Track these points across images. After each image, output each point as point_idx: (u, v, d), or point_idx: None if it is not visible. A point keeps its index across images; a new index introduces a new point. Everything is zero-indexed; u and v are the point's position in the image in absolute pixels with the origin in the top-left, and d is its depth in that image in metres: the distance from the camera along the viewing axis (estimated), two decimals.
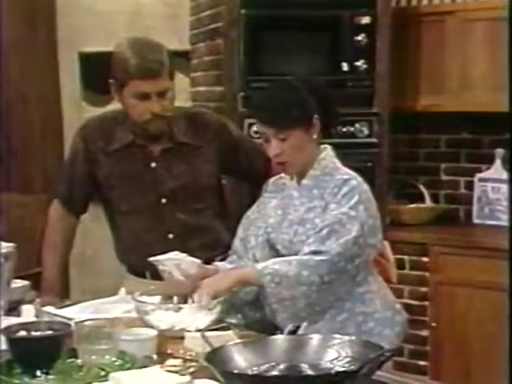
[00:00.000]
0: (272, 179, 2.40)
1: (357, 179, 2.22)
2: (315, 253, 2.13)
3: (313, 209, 2.22)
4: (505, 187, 3.87)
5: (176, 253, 2.26)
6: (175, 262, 2.22)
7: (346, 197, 2.18)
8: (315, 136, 2.24)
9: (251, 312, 2.26)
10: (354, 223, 2.14)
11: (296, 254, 2.19)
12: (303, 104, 2.21)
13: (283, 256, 2.22)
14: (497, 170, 3.92)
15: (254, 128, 3.54)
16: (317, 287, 2.11)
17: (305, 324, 2.12)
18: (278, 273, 2.12)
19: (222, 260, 2.43)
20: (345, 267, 2.13)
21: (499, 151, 3.90)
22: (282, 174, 2.34)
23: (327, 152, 2.29)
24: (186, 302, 2.12)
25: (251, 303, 2.26)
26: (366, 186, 2.23)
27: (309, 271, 2.10)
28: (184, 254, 2.26)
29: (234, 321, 2.23)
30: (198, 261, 2.26)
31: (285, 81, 2.30)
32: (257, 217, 2.34)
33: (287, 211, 2.27)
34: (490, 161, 3.94)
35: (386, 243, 2.45)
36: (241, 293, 2.23)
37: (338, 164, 2.28)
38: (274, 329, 2.12)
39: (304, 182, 2.26)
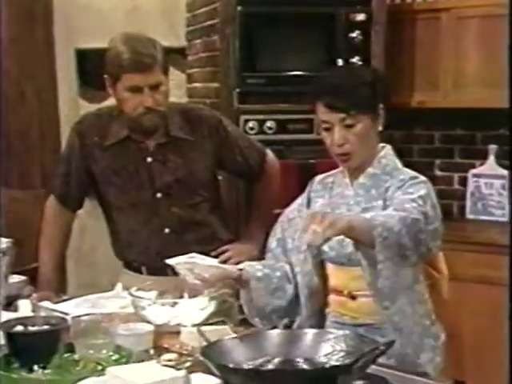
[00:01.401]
0: (318, 177, 2.23)
1: (423, 178, 2.05)
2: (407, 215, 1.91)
3: (371, 209, 2.04)
4: (498, 183, 3.88)
5: (192, 255, 2.21)
6: (187, 266, 2.14)
7: (413, 187, 2.01)
8: (380, 128, 2.08)
9: (279, 320, 2.10)
10: (420, 210, 1.94)
11: (345, 257, 2.04)
12: (372, 88, 2.05)
13: (327, 259, 2.09)
14: (490, 166, 3.92)
15: (250, 124, 3.56)
16: (407, 251, 1.91)
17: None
18: (386, 225, 1.88)
19: (216, 256, 2.41)
20: (417, 246, 1.93)
21: (492, 147, 3.90)
22: (331, 172, 2.19)
23: (387, 151, 2.14)
24: (181, 297, 2.11)
25: (282, 309, 2.16)
26: (432, 188, 2.05)
27: (407, 229, 1.90)
28: (199, 256, 2.21)
29: (256, 323, 2.16)
30: (214, 262, 2.21)
31: (352, 66, 2.18)
32: (296, 216, 2.18)
33: (338, 211, 2.09)
34: (483, 157, 3.94)
35: (441, 256, 2.22)
36: (272, 297, 2.15)
37: (399, 165, 2.13)
38: None
39: (361, 180, 2.10)
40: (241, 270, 2.18)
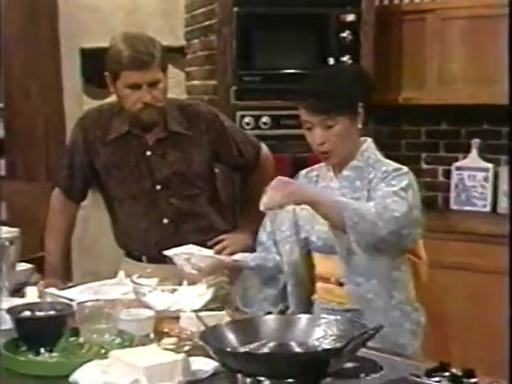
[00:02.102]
0: (303, 171, 2.24)
1: (405, 168, 2.07)
2: (386, 211, 1.94)
3: (356, 200, 2.04)
4: (480, 175, 3.88)
5: (189, 246, 2.21)
6: (185, 257, 2.14)
7: (396, 179, 2.02)
8: (360, 125, 2.08)
9: (270, 307, 2.15)
10: (403, 203, 1.97)
11: (332, 246, 2.04)
12: (350, 90, 2.05)
13: (314, 248, 2.11)
14: (473, 159, 3.92)
15: (246, 119, 3.55)
16: (381, 242, 1.94)
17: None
18: (358, 212, 1.94)
19: (212, 245, 2.41)
20: (398, 241, 1.98)
21: (475, 141, 3.91)
22: (315, 166, 2.19)
23: (369, 144, 2.14)
24: (181, 284, 2.11)
25: (273, 297, 2.18)
26: (414, 178, 2.07)
27: (383, 223, 1.93)
28: (196, 247, 2.21)
29: (247, 311, 2.16)
30: (209, 253, 2.21)
31: (331, 67, 2.16)
32: (282, 209, 2.13)
33: None
34: (466, 150, 3.94)
35: (421, 242, 2.22)
36: (265, 286, 2.17)
37: (381, 156, 2.13)
38: None
39: (345, 173, 2.10)
40: (235, 260, 2.19)
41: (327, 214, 1.98)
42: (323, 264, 2.15)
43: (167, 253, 2.20)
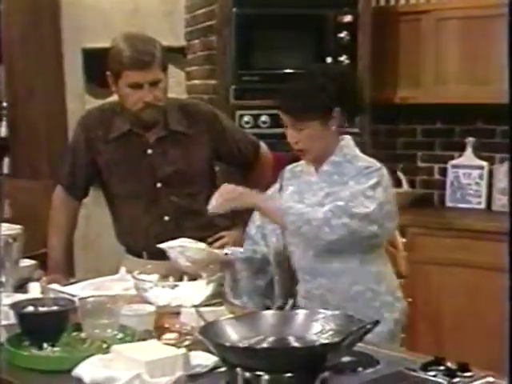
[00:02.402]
0: (288, 167, 2.28)
1: (377, 165, 2.10)
2: (337, 216, 2.00)
3: (332, 194, 2.09)
4: (475, 173, 3.88)
5: (183, 239, 2.21)
6: (179, 250, 2.16)
7: (365, 177, 2.06)
8: (334, 128, 2.10)
9: (258, 298, 2.21)
10: (371, 201, 2.02)
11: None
12: (321, 95, 2.06)
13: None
14: (468, 157, 3.92)
15: (245, 118, 3.55)
16: (330, 245, 2.02)
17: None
18: (303, 217, 2.02)
19: (212, 242, 2.41)
20: (360, 240, 2.03)
21: (470, 140, 3.90)
22: (300, 162, 2.23)
23: (348, 141, 2.17)
24: (181, 280, 2.10)
25: (262, 289, 2.22)
26: (386, 173, 2.10)
27: (330, 229, 2.00)
28: (190, 240, 2.21)
29: (237, 302, 2.19)
30: (203, 246, 2.22)
31: (305, 71, 2.16)
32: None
33: (304, 196, 2.15)
34: (461, 149, 3.94)
35: (397, 233, 2.32)
36: (255, 278, 2.21)
37: (358, 152, 2.16)
38: None
39: (324, 168, 2.14)
40: (227, 253, 2.24)
41: (273, 219, 2.11)
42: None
43: (162, 246, 2.21)
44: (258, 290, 2.23)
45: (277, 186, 2.28)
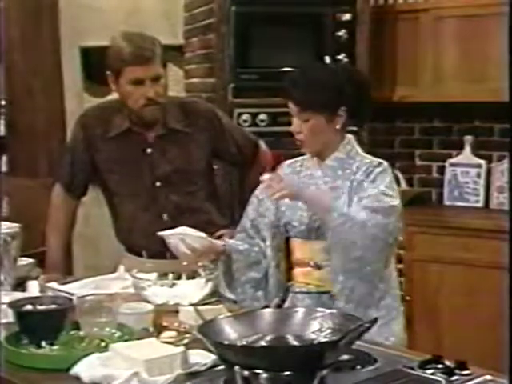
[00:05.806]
0: (287, 162, 2.29)
1: (385, 163, 2.13)
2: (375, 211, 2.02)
3: (335, 188, 2.12)
4: (473, 171, 3.89)
5: (183, 228, 2.22)
6: (180, 237, 2.17)
7: (379, 177, 2.09)
8: (338, 127, 2.11)
9: (252, 290, 2.22)
10: (393, 200, 2.06)
11: (316, 231, 2.12)
12: (334, 91, 2.07)
13: (294, 234, 2.16)
14: (466, 156, 3.92)
15: (244, 117, 3.54)
16: (374, 244, 2.02)
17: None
18: (348, 214, 2.02)
19: (217, 238, 2.41)
20: (393, 240, 2.07)
21: (468, 138, 3.91)
22: (298, 158, 2.25)
23: (350, 139, 2.19)
24: (180, 278, 2.10)
25: (256, 281, 2.23)
26: (391, 170, 2.15)
27: (373, 224, 2.01)
28: (191, 229, 2.22)
29: (230, 295, 2.21)
30: (203, 235, 2.22)
31: (323, 64, 2.18)
32: (265, 197, 2.20)
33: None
34: (459, 147, 3.94)
35: None
36: (250, 269, 2.22)
37: (360, 151, 2.18)
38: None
39: (329, 163, 2.15)
40: (225, 244, 2.25)
41: (319, 213, 2.08)
42: (303, 249, 2.18)
43: (162, 233, 2.21)
44: (251, 282, 2.24)
45: None
